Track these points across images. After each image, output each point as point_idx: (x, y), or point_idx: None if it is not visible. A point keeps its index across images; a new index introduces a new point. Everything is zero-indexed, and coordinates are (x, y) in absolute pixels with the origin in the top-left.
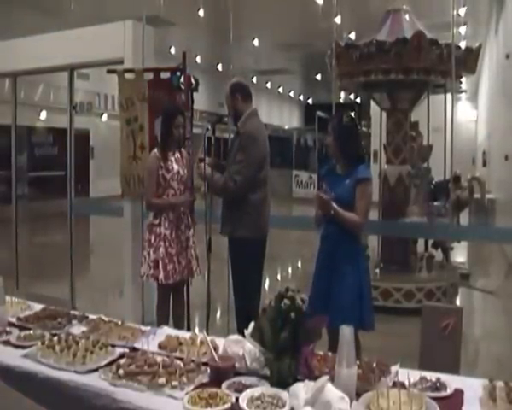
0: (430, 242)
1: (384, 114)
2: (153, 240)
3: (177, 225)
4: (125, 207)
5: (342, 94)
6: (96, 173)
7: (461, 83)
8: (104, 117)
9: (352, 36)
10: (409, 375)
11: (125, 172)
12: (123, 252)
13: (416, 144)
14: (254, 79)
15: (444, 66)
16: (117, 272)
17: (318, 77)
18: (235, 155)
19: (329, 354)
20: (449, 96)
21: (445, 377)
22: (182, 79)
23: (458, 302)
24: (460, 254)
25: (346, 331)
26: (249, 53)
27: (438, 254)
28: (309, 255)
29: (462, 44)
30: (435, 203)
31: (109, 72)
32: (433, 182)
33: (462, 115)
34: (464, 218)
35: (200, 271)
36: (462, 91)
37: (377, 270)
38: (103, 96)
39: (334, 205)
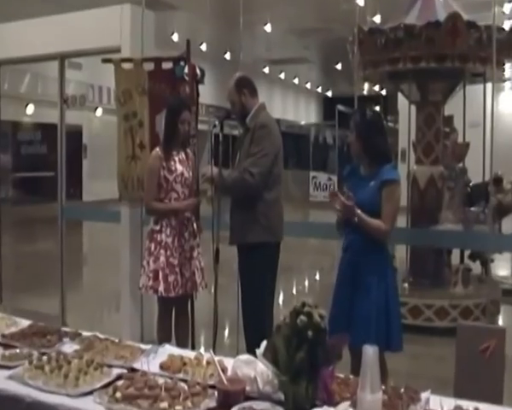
0: (467, 253)
1: (413, 108)
2: (153, 248)
3: (181, 232)
4: (123, 212)
5: (366, 85)
6: (89, 175)
7: (503, 70)
8: (99, 112)
9: (377, 19)
10: (442, 403)
11: (123, 174)
12: (120, 262)
13: (450, 142)
14: (266, 70)
15: (483, 51)
16: (113, 285)
17: (339, 66)
18: (247, 151)
19: (351, 377)
20: (489, 85)
21: (484, 406)
22: (186, 70)
23: (500, 322)
24: (502, 267)
25: (370, 352)
26: (261, 40)
27: (476, 267)
28: (329, 266)
29: (506, 25)
30: (472, 209)
31: (104, 61)
32: (470, 184)
33: (505, 108)
34: (507, 225)
35: (206, 284)
36: (504, 80)
37: (406, 284)
38: (98, 89)
39: (358, 211)
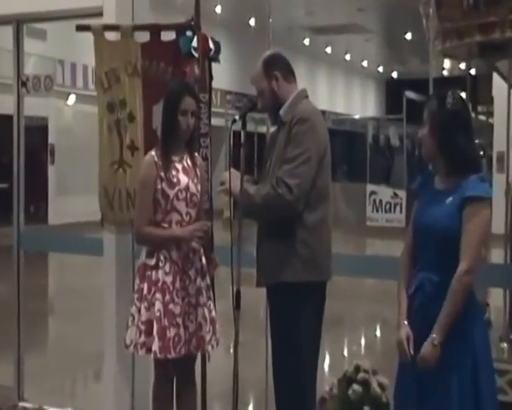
0: None
1: None
2: (145, 290)
3: (184, 268)
4: (107, 240)
5: (446, 63)
6: (58, 187)
7: None
8: (71, 99)
9: None
10: None
11: (107, 187)
12: (103, 309)
13: None
14: (307, 41)
15: None
16: (92, 342)
17: (408, 36)
18: (281, 155)
19: None
20: None
21: None
22: (194, 43)
23: None
24: None
25: None
26: (298, 0)
27: None
28: (393, 318)
29: None
30: None
31: (80, 29)
32: None
33: None
34: None
35: (218, 342)
36: None
37: (505, 344)
38: (70, 67)
39: (434, 335)
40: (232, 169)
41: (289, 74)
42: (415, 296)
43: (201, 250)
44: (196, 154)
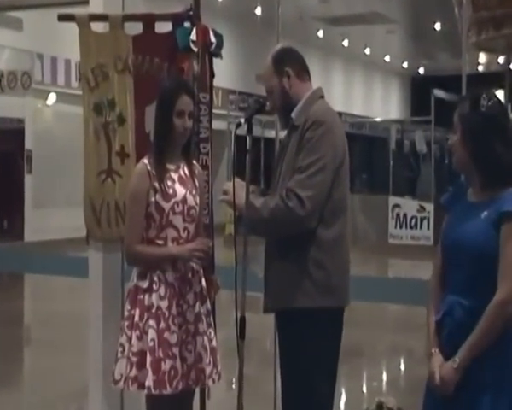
0: None
1: None
2: (137, 317)
3: (181, 292)
4: (93, 260)
5: (481, 57)
6: (36, 200)
7: None
8: (51, 98)
9: None
10: None
11: (93, 199)
12: (87, 339)
13: None
14: (320, 33)
15: None
16: (74, 377)
17: (437, 27)
18: (293, 162)
19: None
20: None
21: None
22: (193, 35)
23: None
24: None
25: None
26: None
27: None
28: (420, 349)
29: None
30: None
31: (62, 19)
32: None
33: None
34: None
35: (220, 375)
36: None
37: None
38: (50, 62)
39: (456, 358)
40: (236, 179)
41: (303, 72)
42: (443, 323)
43: (201, 271)
44: (195, 161)
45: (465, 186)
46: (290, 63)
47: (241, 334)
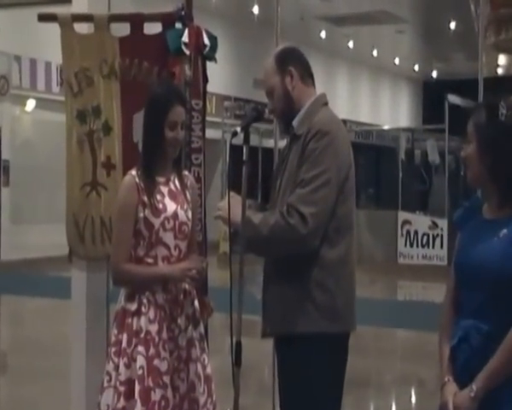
0: None
1: None
2: (125, 342)
3: (172, 315)
4: (76, 279)
5: (501, 59)
6: (13, 214)
7: None
8: (30, 104)
9: None
10: None
11: (76, 214)
12: (69, 367)
13: None
14: (323, 34)
15: None
16: (55, 408)
17: (451, 26)
18: (294, 175)
19: None
20: None
21: None
22: (185, 37)
23: None
24: None
25: None
26: None
27: None
28: (431, 379)
29: None
30: None
31: (43, 19)
32: None
33: None
34: None
35: (215, 405)
36: None
37: None
38: (29, 64)
39: (474, 386)
40: (232, 193)
41: (307, 75)
42: (458, 349)
43: (193, 292)
44: (186, 173)
45: (480, 202)
46: (294, 63)
47: (237, 361)
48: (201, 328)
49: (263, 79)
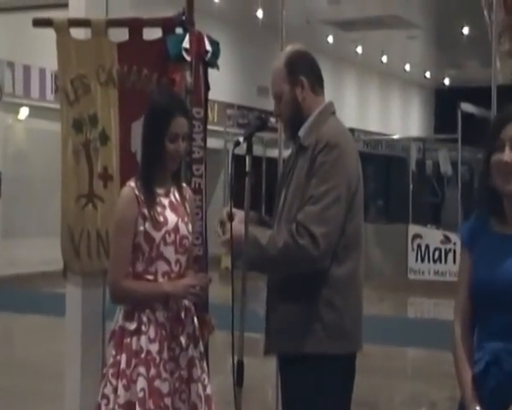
0: None
1: None
2: (124, 363)
3: (173, 333)
4: (70, 296)
5: None
6: (5, 228)
7: None
8: (23, 112)
9: None
10: None
11: (72, 227)
12: (63, 389)
13: None
14: (330, 39)
15: None
16: None
17: (464, 32)
18: (302, 190)
19: None
20: None
21: None
22: (186, 43)
23: None
24: None
25: None
26: None
27: None
28: (443, 401)
29: None
30: None
31: (38, 24)
32: None
33: None
34: None
35: None
36: None
37: None
38: (22, 71)
39: None
40: (234, 210)
41: (318, 85)
42: (488, 374)
43: (192, 308)
44: (185, 184)
45: (485, 216)
46: (306, 72)
47: (239, 381)
48: (201, 346)
49: (270, 82)
